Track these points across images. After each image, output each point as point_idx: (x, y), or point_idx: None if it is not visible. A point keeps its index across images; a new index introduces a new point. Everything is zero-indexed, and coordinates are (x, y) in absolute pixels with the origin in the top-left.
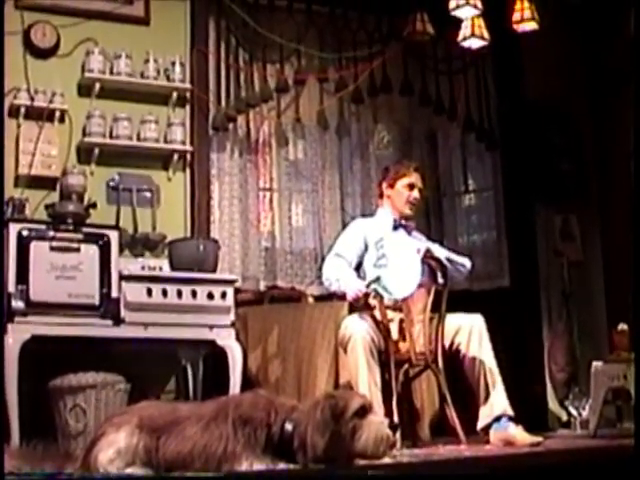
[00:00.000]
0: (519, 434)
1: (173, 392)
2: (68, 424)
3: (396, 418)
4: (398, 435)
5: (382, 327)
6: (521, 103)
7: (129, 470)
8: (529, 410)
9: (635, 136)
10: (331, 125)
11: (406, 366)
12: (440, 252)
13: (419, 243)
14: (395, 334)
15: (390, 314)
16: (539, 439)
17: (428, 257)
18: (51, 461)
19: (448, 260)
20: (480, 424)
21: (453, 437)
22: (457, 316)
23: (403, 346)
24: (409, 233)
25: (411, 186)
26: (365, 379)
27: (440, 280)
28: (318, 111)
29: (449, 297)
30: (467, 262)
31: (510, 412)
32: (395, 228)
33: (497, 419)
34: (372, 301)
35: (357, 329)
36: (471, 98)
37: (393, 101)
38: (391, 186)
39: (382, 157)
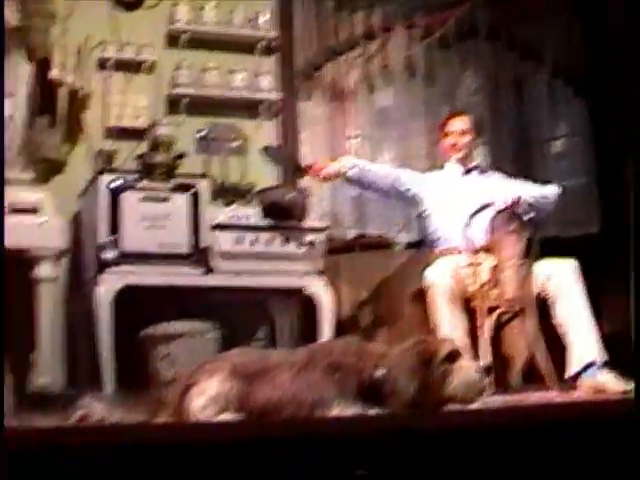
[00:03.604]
0: (610, 381)
1: (263, 340)
2: (159, 372)
3: (489, 361)
4: (489, 379)
5: (473, 271)
6: (610, 44)
7: (222, 417)
8: (620, 358)
9: None
10: (418, 72)
11: (497, 312)
12: (526, 192)
13: (498, 188)
14: (485, 279)
15: (481, 257)
16: (631, 386)
17: (517, 203)
18: (143, 408)
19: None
20: (571, 371)
21: (544, 384)
22: (548, 262)
23: (493, 292)
24: (482, 173)
25: (446, 134)
26: (447, 327)
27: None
28: (405, 57)
29: (539, 243)
30: (550, 192)
31: (601, 359)
32: (467, 172)
33: (588, 366)
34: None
35: (437, 278)
36: (558, 41)
37: (479, 47)
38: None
39: (470, 104)
